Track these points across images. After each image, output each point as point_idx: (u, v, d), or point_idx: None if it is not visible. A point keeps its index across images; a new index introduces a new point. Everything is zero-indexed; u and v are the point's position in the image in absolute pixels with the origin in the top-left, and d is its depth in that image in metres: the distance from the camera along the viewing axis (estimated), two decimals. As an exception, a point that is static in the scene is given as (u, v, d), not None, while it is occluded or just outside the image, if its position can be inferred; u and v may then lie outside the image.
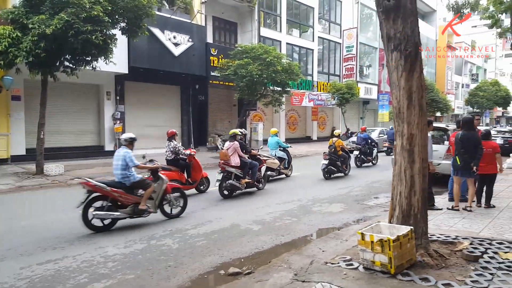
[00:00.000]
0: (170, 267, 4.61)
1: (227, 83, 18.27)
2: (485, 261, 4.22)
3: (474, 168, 6.54)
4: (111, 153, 16.16)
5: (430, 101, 30.65)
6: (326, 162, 11.68)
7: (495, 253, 4.48)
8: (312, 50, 26.98)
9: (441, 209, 6.91)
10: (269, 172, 10.93)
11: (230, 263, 4.75)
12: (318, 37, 27.57)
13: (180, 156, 9.05)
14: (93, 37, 9.83)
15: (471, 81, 50.69)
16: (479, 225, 5.83)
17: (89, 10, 9.67)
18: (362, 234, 4.08)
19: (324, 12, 29.03)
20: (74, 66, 11.33)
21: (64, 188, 10.14)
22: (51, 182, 10.51)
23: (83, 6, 9.59)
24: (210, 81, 18.90)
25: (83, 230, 5.94)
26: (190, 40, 17.65)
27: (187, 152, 9.24)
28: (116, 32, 11.56)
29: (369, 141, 15.01)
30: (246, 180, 9.11)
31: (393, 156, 12.19)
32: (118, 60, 12.47)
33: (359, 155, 14.73)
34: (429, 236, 4.65)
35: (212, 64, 18.63)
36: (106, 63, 11.43)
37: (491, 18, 17.26)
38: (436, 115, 34.78)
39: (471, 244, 4.78)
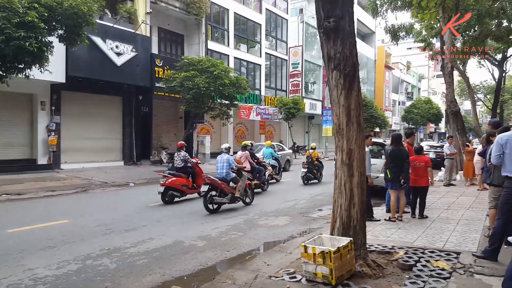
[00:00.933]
0: (107, 288, 4.37)
1: (173, 95, 17.95)
2: (418, 270, 4.46)
3: (402, 181, 7.00)
4: (44, 167, 15.28)
5: (370, 117, 32.42)
6: (305, 170, 13.51)
7: (427, 261, 4.75)
8: (260, 65, 27.51)
9: (379, 220, 7.24)
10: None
11: (172, 281, 4.59)
12: (266, 53, 28.22)
13: (188, 164, 10.40)
14: (27, 43, 9.22)
15: (406, 99, 54.31)
16: (413, 235, 6.17)
17: (22, 15, 9.07)
18: (305, 247, 4.14)
19: (271, 29, 29.82)
20: (4, 74, 10.50)
21: (-11, 205, 9.27)
22: (-26, 199, 9.58)
23: (16, 10, 8.98)
24: (155, 93, 18.46)
25: (10, 251, 5.46)
26: (134, 50, 17.20)
27: (194, 160, 10.79)
28: (53, 39, 10.94)
29: None
30: (255, 182, 10.86)
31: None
32: (54, 69, 11.84)
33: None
34: (367, 246, 4.83)
35: (157, 75, 18.25)
36: (41, 71, 10.74)
37: (424, 42, 18.83)
38: (375, 130, 36.77)
39: (406, 253, 5.04)
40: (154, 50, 20.00)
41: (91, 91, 16.79)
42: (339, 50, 4.47)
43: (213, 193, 8.56)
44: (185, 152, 10.43)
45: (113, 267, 5.03)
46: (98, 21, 13.65)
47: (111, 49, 16.25)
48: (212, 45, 23.28)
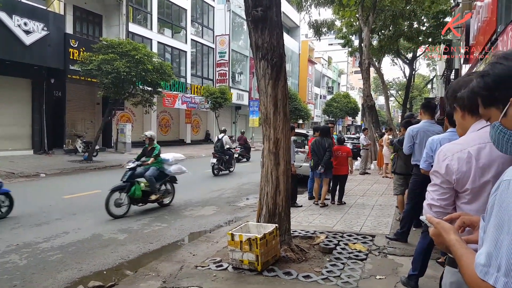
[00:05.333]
0: (16, 286, 3.96)
1: (89, 79, 16.63)
2: (338, 252, 4.73)
3: (320, 168, 7.41)
4: None
5: (294, 109, 33.54)
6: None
7: (346, 244, 5.06)
8: (185, 52, 26.80)
9: (301, 206, 7.58)
10: None
11: (90, 276, 4.30)
12: (191, 39, 27.55)
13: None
14: None
15: (327, 93, 57.20)
16: (333, 220, 6.55)
17: None
18: (232, 235, 4.14)
19: (197, 16, 29.17)
20: None
21: None
22: None
23: None
24: (69, 76, 16.99)
25: None
26: (45, 28, 15.64)
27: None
28: None
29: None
30: None
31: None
32: None
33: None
34: (291, 232, 5.01)
35: (71, 57, 16.80)
36: None
37: (344, 38, 19.87)
38: (299, 122, 38.22)
39: (326, 237, 5.32)
40: (69, 30, 18.40)
41: (-6, 71, 14.96)
42: (267, 40, 4.50)
43: None
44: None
45: (23, 264, 4.58)
46: (2, -7, 12.17)
47: (19, 26, 14.60)
48: (134, 28, 22.09)
